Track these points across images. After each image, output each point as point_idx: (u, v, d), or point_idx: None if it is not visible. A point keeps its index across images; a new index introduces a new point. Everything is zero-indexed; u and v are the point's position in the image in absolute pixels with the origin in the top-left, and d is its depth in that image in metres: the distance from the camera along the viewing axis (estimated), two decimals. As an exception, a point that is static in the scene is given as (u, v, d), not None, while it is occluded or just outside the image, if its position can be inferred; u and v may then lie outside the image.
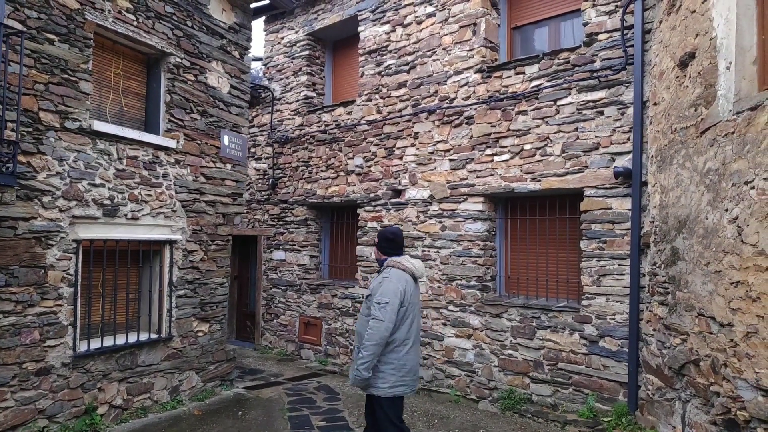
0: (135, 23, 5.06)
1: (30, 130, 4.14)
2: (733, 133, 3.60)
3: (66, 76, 4.45)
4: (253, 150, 9.21)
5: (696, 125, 4.12)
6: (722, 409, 3.64)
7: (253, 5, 6.74)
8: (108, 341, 4.90)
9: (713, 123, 3.85)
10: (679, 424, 4.23)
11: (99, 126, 4.69)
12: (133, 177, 5.04)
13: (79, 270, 4.59)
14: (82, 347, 4.66)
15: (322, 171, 8.11)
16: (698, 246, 4.00)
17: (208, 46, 5.92)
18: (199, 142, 5.78)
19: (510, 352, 5.90)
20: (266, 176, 9.01)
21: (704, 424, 3.87)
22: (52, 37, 4.34)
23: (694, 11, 4.24)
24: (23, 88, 3.97)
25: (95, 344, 4.79)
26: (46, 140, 4.30)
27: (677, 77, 4.49)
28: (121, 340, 5.02)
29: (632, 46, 5.14)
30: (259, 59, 9.51)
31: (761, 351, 3.23)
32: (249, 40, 6.53)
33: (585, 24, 5.52)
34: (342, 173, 7.80)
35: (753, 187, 3.34)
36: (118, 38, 5.03)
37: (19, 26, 4.08)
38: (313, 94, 8.67)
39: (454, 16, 6.57)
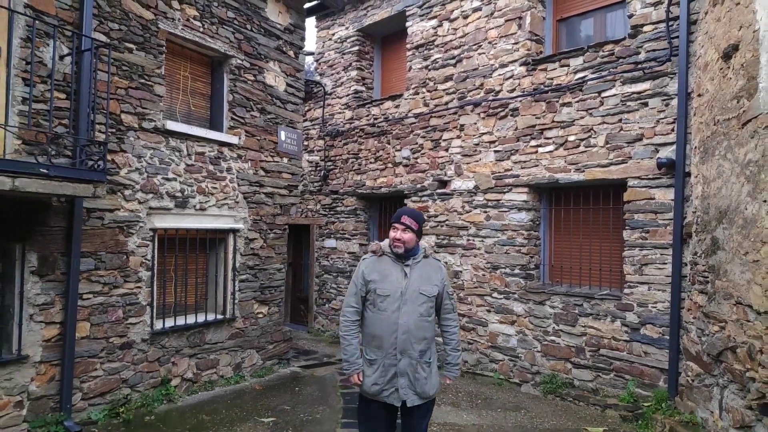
0: (201, 29, 5.52)
1: (113, 130, 4.66)
2: (772, 125, 3.67)
3: (143, 80, 4.95)
4: (305, 143, 9.65)
5: (738, 117, 4.19)
6: (758, 395, 3.76)
7: (306, 5, 7.10)
8: (180, 320, 5.44)
9: (754, 115, 3.92)
10: (716, 409, 4.35)
11: (171, 125, 5.18)
12: (200, 171, 5.53)
13: (155, 256, 5.12)
14: (158, 325, 5.21)
15: (370, 163, 8.45)
16: (737, 236, 4.09)
17: (266, 47, 6.33)
18: (258, 137, 6.22)
19: (552, 338, 6.09)
20: (318, 168, 9.44)
21: (740, 409, 3.99)
22: (130, 45, 4.84)
23: (738, 3, 4.28)
24: (105, 92, 4.47)
25: (169, 323, 5.34)
26: (127, 139, 4.82)
27: (721, 69, 4.54)
28: (190, 319, 5.55)
29: (677, 37, 5.18)
30: (311, 54, 9.91)
31: (796, 338, 3.34)
32: (303, 39, 6.91)
33: (630, 16, 5.58)
34: (390, 165, 8.11)
35: (790, 179, 3.42)
36: (186, 44, 5.51)
37: (103, 38, 4.58)
38: (363, 89, 9.00)
39: (500, 10, 6.72)
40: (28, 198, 3.97)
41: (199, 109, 5.85)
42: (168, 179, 5.20)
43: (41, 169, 3.51)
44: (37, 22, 3.91)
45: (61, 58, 4.17)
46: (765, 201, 3.72)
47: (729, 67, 4.40)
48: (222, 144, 5.77)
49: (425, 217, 7.42)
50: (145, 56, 4.97)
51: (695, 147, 5.01)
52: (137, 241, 4.94)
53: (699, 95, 4.99)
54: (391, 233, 3.09)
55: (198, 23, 5.48)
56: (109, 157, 4.60)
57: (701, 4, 5.05)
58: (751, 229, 3.90)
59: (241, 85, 6.02)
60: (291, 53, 6.70)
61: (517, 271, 6.43)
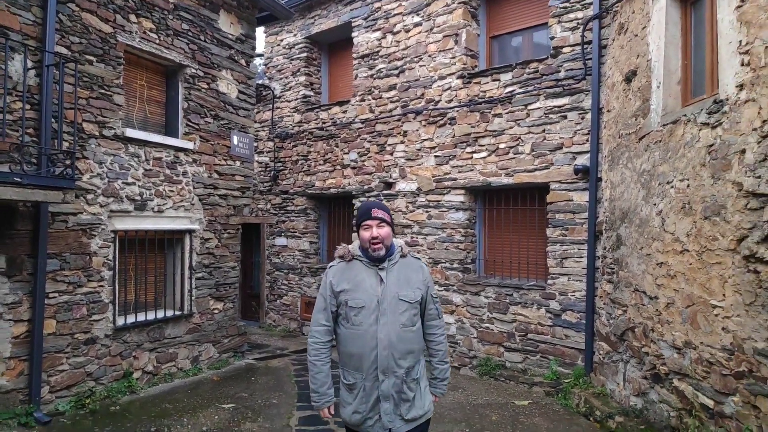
0: (157, 41, 5.80)
1: (73, 138, 4.90)
2: (660, 141, 4.42)
3: (102, 90, 5.21)
4: (255, 144, 9.96)
5: (636, 132, 4.94)
6: (650, 366, 4.51)
7: (257, 16, 7.45)
8: (140, 317, 5.73)
9: (647, 132, 4.67)
10: (621, 381, 5.11)
11: (130, 132, 5.46)
12: (158, 175, 5.82)
13: (116, 256, 5.40)
14: (120, 321, 5.49)
15: (320, 165, 8.88)
16: (635, 234, 4.84)
17: (219, 57, 6.65)
18: (212, 142, 6.55)
19: (487, 325, 6.76)
20: (268, 169, 9.79)
21: (638, 379, 4.74)
22: (91, 58, 5.09)
23: (637, 35, 5.03)
24: (70, 104, 4.73)
25: (130, 319, 5.62)
26: (89, 147, 5.08)
27: (624, 90, 5.29)
28: (150, 315, 5.85)
29: (591, 59, 5.92)
30: (260, 55, 10.20)
31: (676, 318, 4.09)
32: (254, 48, 7.26)
33: (552, 38, 6.29)
34: (338, 167, 8.58)
35: (672, 187, 4.16)
36: (143, 54, 5.77)
37: (65, 51, 4.82)
38: (311, 93, 9.41)
39: (438, 27, 7.31)
40: (-5, 204, 4.21)
41: (155, 116, 6.12)
42: (128, 183, 5.48)
43: (15, 178, 3.78)
44: (1, 38, 4.16)
45: (27, 71, 4.39)
46: (655, 204, 4.47)
47: (630, 89, 5.16)
48: (178, 149, 6.07)
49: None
50: (105, 67, 5.23)
51: (605, 156, 5.77)
52: (99, 242, 5.20)
53: (608, 111, 5.75)
54: (364, 233, 2.60)
55: (154, 35, 5.76)
56: (68, 161, 4.84)
57: (610, 31, 5.80)
58: (645, 227, 4.65)
59: (196, 93, 6.33)
60: (242, 62, 7.05)
61: (455, 265, 7.06)
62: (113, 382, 5.36)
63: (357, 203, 8.24)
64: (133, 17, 5.51)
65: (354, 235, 8.32)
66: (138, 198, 5.59)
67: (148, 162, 5.71)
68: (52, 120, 4.59)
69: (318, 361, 2.65)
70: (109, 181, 5.28)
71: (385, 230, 2.62)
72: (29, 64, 4.47)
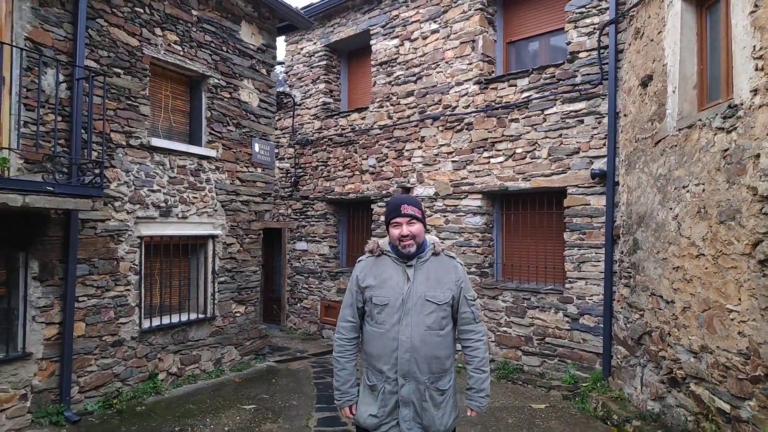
0: (181, 53, 5.99)
1: (102, 148, 5.10)
2: (676, 146, 4.43)
3: (129, 101, 5.41)
4: (276, 151, 10.14)
5: (652, 137, 4.95)
6: (667, 370, 4.51)
7: (277, 26, 7.63)
8: (165, 320, 5.91)
9: (663, 136, 4.68)
10: (639, 385, 5.10)
11: (155, 141, 5.65)
12: (182, 183, 6.01)
13: (142, 261, 5.59)
14: (146, 324, 5.68)
15: (339, 170, 9.02)
16: (651, 238, 4.85)
17: (240, 67, 6.84)
18: (234, 150, 6.72)
19: (505, 329, 6.79)
20: (289, 175, 9.96)
21: (655, 383, 4.74)
22: (118, 70, 5.30)
23: (653, 40, 5.04)
24: (98, 115, 4.93)
25: (155, 322, 5.81)
26: (117, 156, 5.28)
27: (640, 94, 5.30)
28: (174, 319, 6.02)
29: (607, 64, 5.93)
30: (281, 63, 10.40)
31: (692, 322, 4.09)
32: (274, 58, 7.43)
33: (568, 43, 6.32)
34: (357, 172, 8.70)
35: (688, 191, 4.17)
36: (168, 66, 5.97)
37: (94, 64, 5.04)
38: (330, 100, 9.56)
39: (455, 33, 7.39)
40: (30, 212, 4.41)
41: (179, 125, 6.31)
42: (153, 191, 5.67)
43: (48, 187, 3.97)
44: (35, 53, 4.37)
45: (58, 85, 4.59)
46: (671, 209, 4.48)
47: (646, 94, 5.17)
48: (201, 157, 6.25)
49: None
50: (132, 79, 5.43)
51: (622, 160, 5.77)
52: (126, 248, 5.39)
53: (625, 115, 5.76)
54: (393, 231, 2.49)
55: (179, 47, 5.96)
56: (97, 171, 5.04)
57: (626, 36, 5.81)
58: (661, 232, 4.65)
59: (218, 102, 6.51)
60: (263, 71, 7.22)
61: (473, 269, 7.11)
62: (139, 383, 5.54)
63: (375, 208, 8.34)
64: (158, 30, 5.72)
65: (372, 239, 8.42)
66: (163, 205, 5.78)
67: (172, 170, 5.89)
68: (82, 131, 4.79)
69: (342, 358, 2.58)
70: (135, 189, 5.47)
71: (416, 227, 2.48)
72: (60, 77, 4.67)
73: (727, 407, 3.65)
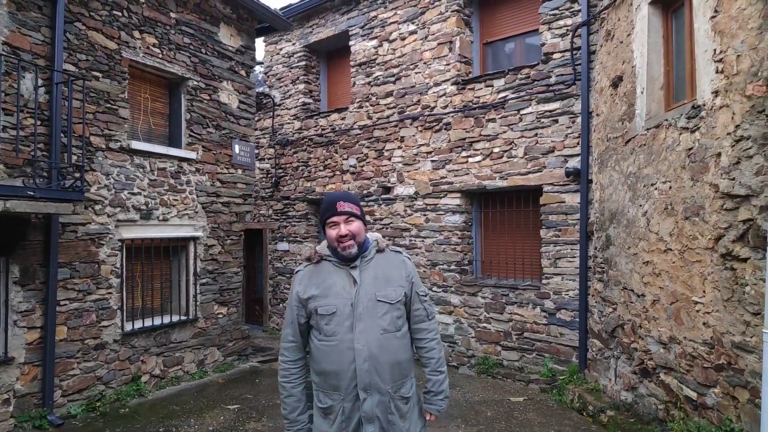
0: (160, 55, 6.01)
1: (81, 152, 5.11)
2: (644, 145, 4.60)
3: (109, 105, 5.42)
4: (256, 151, 10.16)
5: (622, 136, 5.12)
6: (639, 361, 4.68)
7: (256, 27, 7.66)
8: (147, 322, 5.93)
9: (632, 136, 4.85)
10: (613, 376, 5.28)
11: (135, 144, 5.67)
12: (162, 185, 6.02)
13: (124, 264, 5.60)
14: (128, 327, 5.69)
15: (320, 170, 9.08)
16: (623, 234, 5.02)
17: (220, 69, 6.86)
18: (214, 152, 6.75)
19: (485, 324, 6.93)
20: (269, 175, 9.99)
21: (628, 374, 4.91)
22: (97, 74, 5.30)
23: (622, 42, 5.21)
24: (78, 119, 4.93)
25: (138, 324, 5.82)
26: (96, 159, 5.29)
27: (611, 95, 5.47)
28: (157, 321, 6.04)
29: (580, 65, 6.09)
30: (260, 63, 10.40)
31: (661, 314, 4.26)
32: (253, 59, 7.47)
33: (542, 44, 6.47)
34: (338, 172, 8.77)
35: (656, 189, 4.34)
36: (146, 69, 5.98)
37: (72, 68, 5.03)
38: (310, 101, 9.61)
39: (433, 34, 7.51)
40: (10, 216, 4.41)
41: (159, 127, 6.33)
42: (134, 194, 5.68)
43: (28, 192, 3.98)
44: (12, 57, 4.37)
45: (36, 89, 4.59)
46: (641, 206, 4.65)
47: (617, 94, 5.34)
48: (181, 159, 6.27)
49: (371, 220, 8.14)
50: (110, 83, 5.44)
51: (595, 159, 5.94)
52: (107, 251, 5.40)
53: (597, 115, 5.93)
54: (330, 231, 2.26)
55: (157, 50, 5.97)
56: (78, 175, 5.05)
57: (598, 38, 5.98)
58: (632, 228, 4.83)
59: (198, 104, 6.53)
60: (242, 72, 7.25)
61: (453, 267, 7.24)
62: (122, 386, 5.56)
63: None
64: (136, 33, 5.72)
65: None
66: (144, 207, 5.80)
67: (153, 172, 5.91)
68: (62, 135, 4.80)
69: (287, 383, 2.33)
70: (116, 192, 5.48)
71: (356, 225, 2.26)
72: (39, 82, 4.67)
73: (694, 395, 3.83)
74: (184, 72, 6.31)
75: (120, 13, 5.55)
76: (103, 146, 5.36)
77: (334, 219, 2.26)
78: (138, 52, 5.74)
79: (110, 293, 5.44)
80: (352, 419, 2.22)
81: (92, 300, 5.26)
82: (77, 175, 4.58)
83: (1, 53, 4.26)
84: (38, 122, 4.63)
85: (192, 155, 6.38)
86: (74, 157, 4.90)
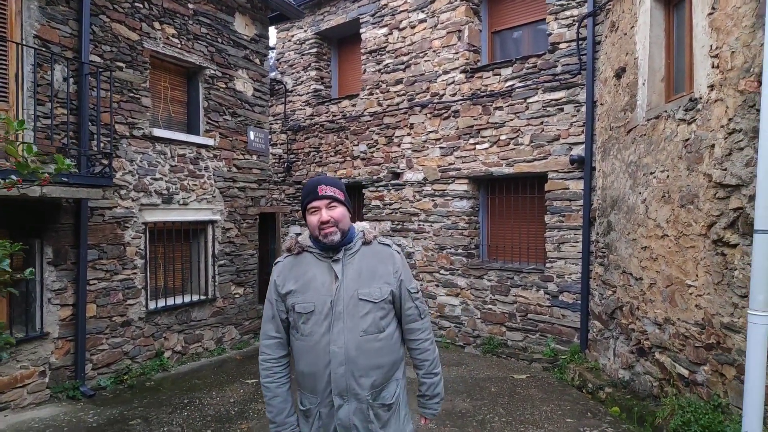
0: (179, 45, 6.23)
1: (109, 139, 5.38)
2: (645, 135, 4.79)
3: (132, 94, 5.67)
4: (270, 137, 10.39)
5: (624, 126, 5.30)
6: (636, 341, 4.93)
7: (269, 16, 7.85)
8: (169, 301, 6.26)
9: (634, 126, 5.04)
10: (612, 356, 5.54)
11: (156, 132, 5.93)
12: (182, 171, 6.30)
13: (147, 246, 5.91)
14: (152, 305, 6.02)
15: (331, 156, 9.32)
16: (623, 220, 5.24)
17: (235, 57, 7.08)
18: (231, 138, 7.01)
19: (490, 306, 7.20)
20: (282, 160, 10.24)
21: (626, 354, 5.17)
22: (121, 64, 5.55)
23: (626, 33, 5.37)
24: (105, 108, 5.19)
25: (160, 303, 6.15)
26: (121, 146, 5.56)
27: (615, 85, 5.65)
28: (178, 300, 6.37)
29: (585, 55, 6.25)
30: (272, 49, 10.58)
31: (657, 296, 4.50)
32: (267, 48, 7.67)
33: (549, 34, 6.63)
34: (348, 158, 9.01)
35: (655, 177, 4.55)
36: (166, 58, 6.22)
37: (98, 59, 5.28)
38: (322, 87, 9.81)
39: (442, 23, 7.66)
40: (44, 201, 4.70)
41: (178, 115, 6.58)
42: (156, 179, 5.96)
43: (62, 178, 4.25)
44: (44, 49, 4.62)
45: (65, 80, 4.85)
46: (640, 193, 4.86)
47: (620, 85, 5.51)
48: (200, 146, 6.54)
49: (381, 205, 8.39)
50: (133, 73, 5.69)
51: (598, 147, 6.14)
52: (132, 233, 5.70)
53: (601, 104, 6.11)
54: (312, 218, 2.03)
55: (176, 40, 6.19)
56: (106, 162, 5.33)
57: (603, 28, 6.13)
58: (631, 214, 5.04)
59: (215, 93, 6.77)
60: (257, 61, 7.47)
61: (460, 250, 7.49)
62: (147, 361, 5.90)
63: (366, 193, 8.67)
64: (157, 24, 5.95)
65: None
66: (165, 192, 6.08)
67: (173, 159, 6.18)
68: (90, 123, 5.06)
69: (271, 383, 2.14)
70: (139, 177, 5.76)
71: (339, 211, 2.04)
72: (66, 73, 4.92)
73: (685, 372, 4.08)
74: (202, 61, 6.54)
75: (141, 5, 5.77)
76: (127, 134, 5.62)
77: (315, 204, 2.02)
78: (158, 43, 5.97)
79: (135, 273, 5.75)
80: (329, 426, 2.04)
81: (119, 280, 5.58)
82: (105, 162, 4.85)
83: (34, 46, 4.50)
84: (67, 111, 4.89)
85: (210, 142, 6.64)
86: (101, 145, 5.17)
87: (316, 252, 2.10)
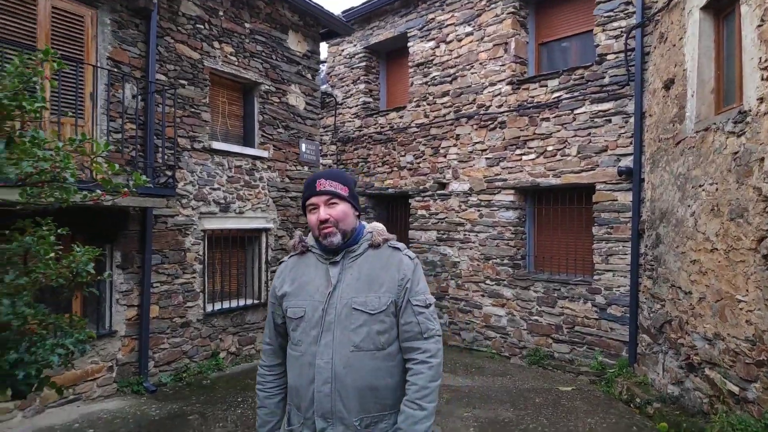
0: (236, 63, 6.61)
1: (172, 152, 5.77)
2: (693, 147, 4.74)
3: (193, 109, 6.06)
4: (320, 148, 10.73)
5: (673, 138, 5.25)
6: (685, 356, 4.85)
7: (320, 32, 8.17)
8: (225, 304, 6.60)
9: (682, 138, 4.99)
10: (660, 371, 5.45)
11: (215, 145, 6.30)
12: (239, 181, 6.65)
13: (206, 252, 6.27)
14: (209, 308, 6.38)
15: (378, 166, 9.54)
16: (672, 233, 5.17)
17: (288, 73, 7.42)
18: (283, 150, 7.34)
19: (536, 318, 7.19)
20: (331, 170, 10.53)
21: (675, 369, 5.09)
22: (183, 82, 5.95)
23: (675, 45, 5.33)
24: (169, 123, 5.58)
25: (217, 306, 6.50)
26: (183, 158, 5.95)
27: (663, 96, 5.60)
28: (233, 303, 6.71)
29: (633, 66, 6.21)
30: (323, 62, 10.94)
31: (707, 311, 4.43)
32: (318, 63, 8.00)
33: (596, 45, 6.62)
34: (395, 168, 9.20)
35: (704, 190, 4.50)
36: (224, 75, 6.61)
37: (163, 77, 5.69)
38: (370, 100, 10.07)
39: (489, 36, 7.76)
40: (114, 210, 5.10)
41: (235, 129, 6.96)
42: (214, 189, 6.33)
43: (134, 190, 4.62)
44: (115, 70, 5.04)
45: (134, 97, 5.26)
46: (689, 206, 4.80)
47: (668, 96, 5.46)
48: (255, 158, 6.88)
49: (427, 214, 8.53)
50: (194, 89, 6.08)
51: (647, 158, 6.07)
52: (192, 240, 6.08)
53: (650, 116, 6.05)
54: (311, 216, 1.84)
55: (234, 58, 6.57)
56: (170, 173, 5.72)
57: (652, 39, 6.09)
58: (680, 227, 4.98)
59: (269, 107, 7.12)
60: (308, 76, 7.79)
61: (506, 261, 7.52)
62: (204, 360, 6.24)
63: (413, 202, 8.83)
64: (216, 44, 6.34)
65: (410, 232, 8.91)
66: (222, 201, 6.44)
67: (230, 170, 6.54)
68: (155, 137, 5.46)
69: (261, 391, 1.98)
70: (199, 187, 6.14)
71: (340, 208, 1.81)
72: (135, 91, 5.34)
73: (736, 389, 4.00)
74: (257, 77, 6.90)
75: (202, 26, 6.17)
76: (189, 147, 6.01)
77: (313, 200, 1.82)
78: (217, 61, 6.36)
79: (194, 278, 6.11)
80: None
81: (179, 283, 5.95)
82: (169, 173, 5.22)
83: (107, 67, 4.92)
84: (135, 127, 5.30)
85: (264, 154, 6.97)
86: (165, 157, 5.56)
87: (318, 253, 1.89)
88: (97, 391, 5.14)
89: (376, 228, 1.94)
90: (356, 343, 1.74)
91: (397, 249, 1.92)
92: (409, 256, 1.91)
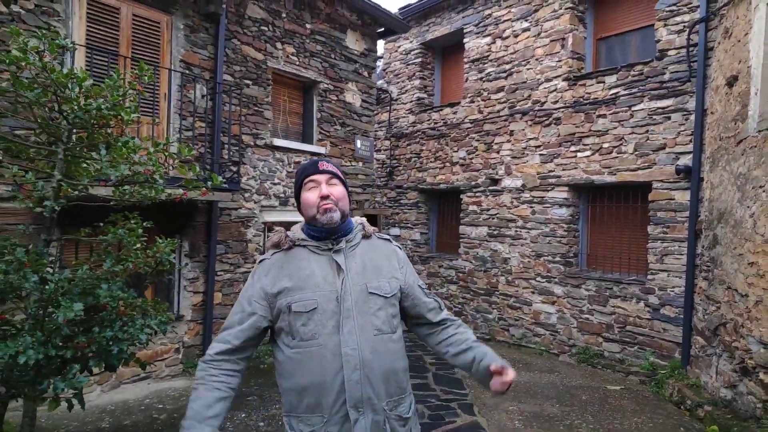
0: (297, 62, 6.91)
1: (236, 148, 6.13)
2: (755, 146, 4.64)
3: (256, 108, 6.41)
4: (374, 143, 10.97)
5: (734, 136, 5.13)
6: (739, 360, 4.78)
7: (377, 31, 8.36)
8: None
9: (744, 137, 4.88)
10: (713, 374, 5.37)
11: (276, 141, 6.63)
12: (296, 176, 6.96)
13: (265, 242, 6.61)
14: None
15: (431, 162, 9.67)
16: (729, 234, 5.07)
17: (345, 71, 7.67)
18: (340, 147, 7.60)
19: (587, 316, 7.17)
20: (384, 165, 10.77)
21: (728, 372, 5.01)
22: (248, 82, 6.30)
23: (740, 41, 5.19)
24: (235, 121, 5.94)
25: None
26: (246, 155, 6.31)
27: (726, 94, 5.45)
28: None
29: (696, 61, 6.07)
30: (380, 58, 11.14)
31: (764, 315, 4.36)
32: (375, 61, 8.20)
33: (657, 41, 6.49)
34: (448, 164, 9.31)
35: (764, 191, 4.41)
36: (286, 75, 6.93)
37: (229, 78, 6.05)
38: (424, 96, 10.20)
39: (546, 31, 7.73)
40: (183, 203, 5.50)
41: (294, 126, 7.28)
42: (274, 183, 6.67)
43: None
44: (187, 71, 5.42)
45: (203, 97, 5.63)
46: (748, 207, 4.70)
47: (731, 94, 5.33)
48: (313, 154, 7.18)
49: (478, 210, 8.61)
50: (258, 89, 6.42)
51: (707, 157, 5.93)
52: (253, 231, 6.44)
53: (711, 113, 5.90)
54: (310, 194, 1.80)
55: (295, 58, 6.88)
56: (234, 168, 6.09)
57: (716, 34, 5.92)
58: (739, 228, 4.88)
59: (327, 105, 7.39)
60: (365, 74, 8.01)
61: (557, 258, 7.52)
62: (261, 346, 6.59)
63: (464, 198, 8.92)
64: (279, 45, 6.66)
65: (461, 227, 9.01)
66: (282, 195, 6.77)
67: (289, 165, 6.86)
68: (221, 135, 5.83)
69: (201, 384, 1.69)
70: (260, 182, 6.49)
71: (340, 189, 1.82)
72: (204, 91, 5.71)
73: (791, 395, 3.94)
74: (316, 76, 7.18)
75: (266, 28, 6.49)
76: (252, 143, 6.37)
77: (315, 177, 1.81)
78: (279, 61, 6.68)
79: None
80: None
81: (241, 272, 6.33)
82: (234, 168, 5.57)
83: (180, 70, 5.30)
84: (203, 125, 5.67)
85: (322, 150, 7.26)
86: (231, 153, 5.92)
87: (311, 245, 1.82)
88: (165, 371, 5.59)
89: (363, 221, 1.96)
90: (378, 326, 1.76)
91: (388, 240, 1.99)
92: (398, 247, 2.02)
